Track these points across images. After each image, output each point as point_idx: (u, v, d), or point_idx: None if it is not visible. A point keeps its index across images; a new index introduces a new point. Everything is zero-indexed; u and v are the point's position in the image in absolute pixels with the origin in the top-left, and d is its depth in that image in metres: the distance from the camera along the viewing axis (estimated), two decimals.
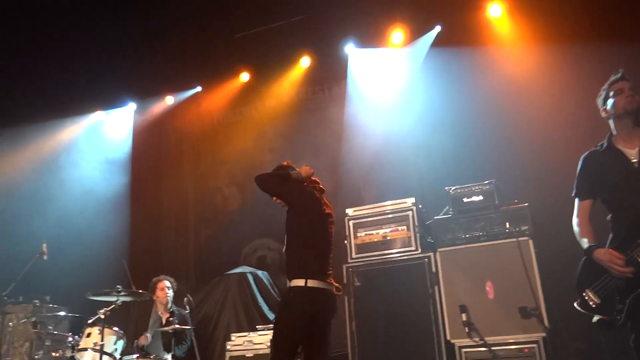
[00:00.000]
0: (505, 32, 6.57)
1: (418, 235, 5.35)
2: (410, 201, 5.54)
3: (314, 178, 4.25)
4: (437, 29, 6.94)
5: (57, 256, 6.30)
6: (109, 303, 5.35)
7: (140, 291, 5.61)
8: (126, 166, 8.30)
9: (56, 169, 7.88)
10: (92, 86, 7.69)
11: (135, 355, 5.38)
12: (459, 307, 4.93)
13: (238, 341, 5.83)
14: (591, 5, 5.79)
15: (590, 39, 5.60)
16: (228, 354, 5.80)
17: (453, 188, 5.43)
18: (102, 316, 5.22)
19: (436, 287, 5.09)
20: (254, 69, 8.00)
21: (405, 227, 5.45)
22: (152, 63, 7.53)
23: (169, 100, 8.48)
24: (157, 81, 8.06)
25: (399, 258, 5.35)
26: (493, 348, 4.72)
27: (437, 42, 6.89)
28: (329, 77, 7.74)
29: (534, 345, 4.62)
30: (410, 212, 5.47)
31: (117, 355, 5.38)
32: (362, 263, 5.48)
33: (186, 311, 5.75)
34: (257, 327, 5.98)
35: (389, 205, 5.62)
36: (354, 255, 5.56)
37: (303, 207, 3.98)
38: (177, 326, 5.45)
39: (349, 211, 5.74)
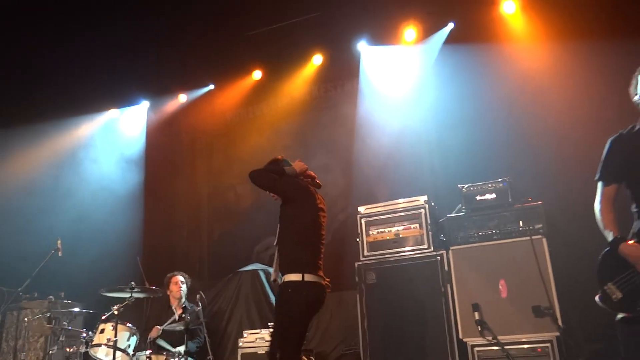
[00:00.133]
0: (519, 28, 6.50)
1: (430, 233, 5.33)
2: (422, 199, 5.51)
3: (309, 172, 4.25)
4: (450, 26, 6.90)
5: (72, 252, 6.36)
6: (122, 299, 5.39)
7: (154, 288, 5.65)
8: (140, 164, 8.36)
9: (73, 165, 8.01)
10: (107, 84, 7.76)
11: (148, 351, 5.42)
12: (472, 305, 4.90)
13: (250, 338, 5.85)
14: (605, 0, 5.73)
15: (606, 35, 5.53)
16: (240, 351, 5.83)
17: (466, 186, 5.40)
18: (116, 312, 5.26)
19: (448, 286, 5.07)
20: (266, 66, 8.00)
21: (417, 225, 5.43)
22: (165, 62, 7.57)
23: (182, 98, 8.51)
24: (170, 79, 8.09)
25: (412, 256, 5.33)
26: (506, 347, 4.68)
27: (450, 39, 6.84)
28: (341, 75, 7.72)
29: (547, 344, 4.58)
30: (422, 210, 5.44)
31: (130, 351, 5.42)
32: (374, 261, 5.46)
33: (199, 307, 5.79)
34: (268, 324, 6.00)
35: (401, 203, 5.60)
36: (366, 253, 5.54)
37: (298, 202, 4.01)
38: (189, 322, 5.49)
39: (361, 209, 5.73)
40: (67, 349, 5.45)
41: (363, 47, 7.37)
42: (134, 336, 5.52)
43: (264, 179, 4.06)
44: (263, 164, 4.24)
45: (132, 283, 5.38)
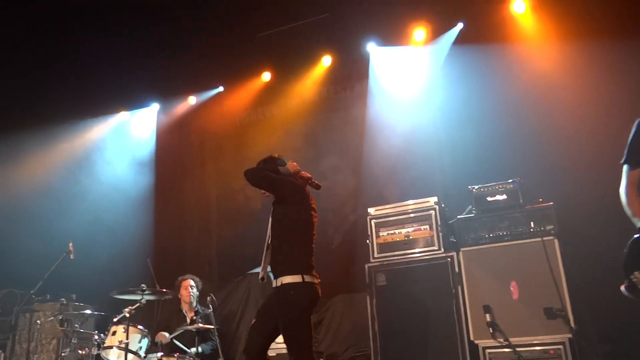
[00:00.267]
0: (529, 28, 6.46)
1: (441, 234, 5.31)
2: (432, 200, 5.50)
3: (305, 174, 4.23)
4: (460, 26, 6.87)
5: (85, 255, 6.41)
6: (133, 302, 5.41)
7: (164, 290, 5.66)
8: (150, 166, 8.40)
9: (86, 167, 8.07)
10: (117, 87, 7.80)
11: (159, 354, 5.44)
12: (483, 307, 4.88)
13: None
14: None
15: (616, 34, 5.48)
16: None
17: (476, 187, 5.37)
18: (127, 314, 5.28)
19: (459, 287, 5.05)
20: (275, 68, 8.01)
21: (427, 227, 5.41)
22: (174, 64, 7.59)
23: (192, 100, 8.54)
24: (179, 82, 8.12)
25: (422, 258, 5.32)
26: (518, 349, 4.65)
27: (460, 40, 6.82)
28: (350, 76, 7.72)
29: (560, 346, 4.54)
30: (432, 212, 5.43)
31: (142, 353, 5.44)
32: (385, 263, 5.45)
33: (209, 310, 5.80)
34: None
35: (411, 204, 5.59)
36: (376, 255, 5.53)
37: (295, 202, 3.98)
38: (201, 325, 5.50)
39: (371, 210, 5.71)
40: (79, 351, 5.49)
41: (372, 48, 7.35)
42: (146, 338, 5.53)
43: (261, 178, 4.02)
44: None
45: (143, 285, 5.39)
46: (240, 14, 7.01)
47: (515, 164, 5.72)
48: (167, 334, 5.81)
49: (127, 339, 5.18)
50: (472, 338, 4.89)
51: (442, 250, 5.26)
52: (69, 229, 7.02)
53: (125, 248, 7.31)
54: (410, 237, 5.45)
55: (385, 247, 5.53)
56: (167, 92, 8.41)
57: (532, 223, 5.00)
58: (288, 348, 3.79)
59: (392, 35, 7.21)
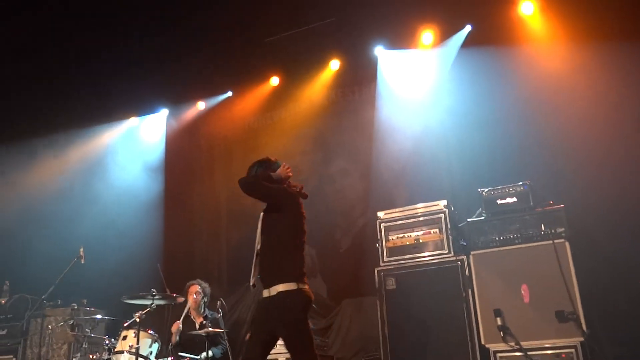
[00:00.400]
0: (538, 30, 6.43)
1: (451, 238, 5.30)
2: (442, 203, 5.48)
3: (293, 182, 4.18)
4: (468, 28, 6.85)
5: (96, 259, 6.44)
6: (144, 306, 5.42)
7: (175, 295, 5.68)
8: (160, 170, 8.43)
9: (97, 172, 8.12)
10: (127, 93, 7.86)
11: (170, 358, 5.45)
12: (494, 311, 4.85)
13: None
14: (626, 0, 5.64)
15: (625, 36, 5.45)
16: None
17: (486, 190, 5.35)
18: (138, 319, 5.29)
19: (470, 291, 5.03)
20: (284, 72, 8.02)
21: (437, 230, 5.40)
22: (183, 70, 7.63)
23: (201, 105, 8.57)
24: (188, 87, 8.16)
25: (432, 261, 5.30)
26: (529, 353, 4.63)
27: (468, 42, 6.80)
28: (359, 80, 7.72)
29: (572, 350, 4.51)
30: (442, 215, 5.41)
31: (152, 358, 5.45)
32: (394, 266, 5.44)
33: (219, 315, 5.80)
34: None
35: (420, 207, 5.57)
36: (385, 259, 5.52)
37: (289, 210, 3.96)
38: (210, 329, 5.50)
39: (381, 214, 5.71)
40: (90, 356, 5.51)
41: (380, 51, 7.35)
42: (156, 343, 5.55)
43: (255, 188, 4.01)
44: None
45: (154, 290, 5.41)
46: (248, 19, 7.04)
47: (524, 167, 5.70)
48: (179, 322, 5.84)
49: (137, 343, 5.20)
50: (482, 342, 4.86)
51: (452, 253, 5.24)
52: (82, 232, 7.08)
53: (135, 252, 7.33)
54: (420, 241, 5.44)
55: (394, 250, 5.52)
56: (177, 97, 8.44)
57: (542, 226, 4.97)
58: (291, 353, 3.78)
59: (400, 39, 7.20)
